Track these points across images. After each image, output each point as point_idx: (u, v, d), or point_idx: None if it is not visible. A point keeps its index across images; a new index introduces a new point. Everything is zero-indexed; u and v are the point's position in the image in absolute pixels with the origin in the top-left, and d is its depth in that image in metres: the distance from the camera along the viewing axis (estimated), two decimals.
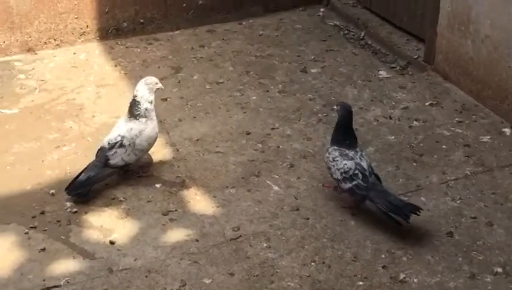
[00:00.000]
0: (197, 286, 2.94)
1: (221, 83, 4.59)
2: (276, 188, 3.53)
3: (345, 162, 3.27)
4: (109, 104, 4.34)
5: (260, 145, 3.90)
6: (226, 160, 3.77)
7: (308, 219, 3.31)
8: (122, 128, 3.51)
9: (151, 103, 3.58)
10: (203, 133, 4.02)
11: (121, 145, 3.47)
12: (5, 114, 4.26)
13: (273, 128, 4.06)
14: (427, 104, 4.27)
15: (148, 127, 3.55)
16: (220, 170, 3.69)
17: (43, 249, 3.14)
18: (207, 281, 2.95)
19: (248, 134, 4.00)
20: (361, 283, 2.94)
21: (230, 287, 2.93)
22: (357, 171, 3.23)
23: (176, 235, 3.22)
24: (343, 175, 3.26)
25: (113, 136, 3.50)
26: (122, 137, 3.48)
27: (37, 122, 4.16)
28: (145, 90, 3.56)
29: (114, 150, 3.46)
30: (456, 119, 4.10)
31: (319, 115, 4.19)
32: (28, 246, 3.17)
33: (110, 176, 3.50)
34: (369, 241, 3.16)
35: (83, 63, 4.88)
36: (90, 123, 4.15)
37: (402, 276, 2.96)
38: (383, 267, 3.02)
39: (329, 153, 3.35)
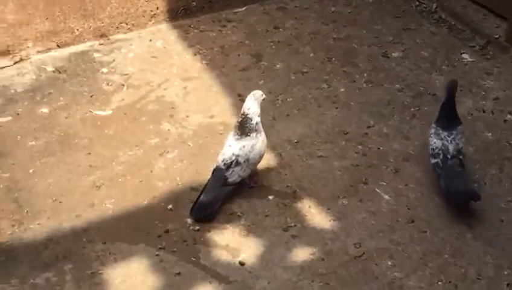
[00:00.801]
0: None
1: (305, 72, 4.62)
2: (386, 197, 3.66)
3: (435, 140, 3.60)
4: (199, 102, 4.40)
5: (360, 147, 3.99)
6: (331, 165, 3.87)
7: (426, 232, 3.45)
8: (235, 147, 3.60)
9: (258, 116, 3.66)
10: (300, 134, 4.10)
11: (237, 164, 3.57)
12: (100, 116, 4.32)
13: (369, 127, 4.13)
14: None
15: (258, 140, 3.64)
16: (327, 177, 3.80)
17: (179, 273, 3.28)
18: None
19: (346, 134, 4.09)
20: None
21: None
22: (440, 151, 3.54)
23: (301, 253, 3.37)
24: (431, 151, 3.59)
25: (227, 156, 3.59)
26: (237, 156, 3.57)
27: (133, 125, 4.23)
28: (255, 105, 3.63)
29: (231, 169, 3.57)
30: None
31: (412, 109, 4.25)
32: (163, 270, 3.30)
33: (229, 194, 3.61)
34: (489, 257, 3.30)
35: (162, 53, 4.89)
36: (187, 125, 4.22)
37: None
38: (508, 285, 3.18)
39: (430, 129, 3.68)
